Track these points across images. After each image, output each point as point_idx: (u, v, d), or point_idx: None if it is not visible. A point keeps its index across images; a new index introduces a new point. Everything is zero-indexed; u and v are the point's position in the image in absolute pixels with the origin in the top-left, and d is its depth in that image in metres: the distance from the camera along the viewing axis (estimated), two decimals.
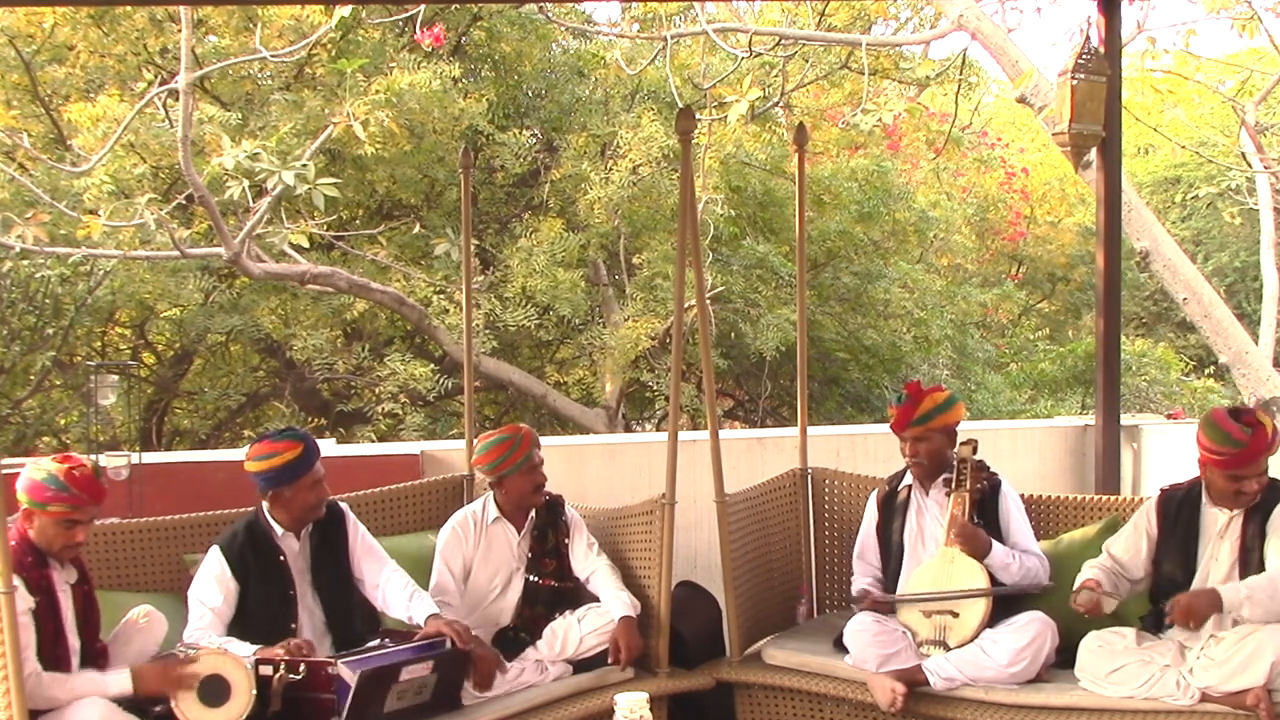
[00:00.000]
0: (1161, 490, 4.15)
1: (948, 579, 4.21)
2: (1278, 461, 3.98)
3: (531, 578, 4.38)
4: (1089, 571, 4.08)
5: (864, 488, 4.86)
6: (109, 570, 4.15)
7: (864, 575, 4.58)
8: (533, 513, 4.43)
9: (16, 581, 3.38)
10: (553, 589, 4.38)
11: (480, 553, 4.38)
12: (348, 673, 3.62)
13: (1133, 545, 4.11)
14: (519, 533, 4.41)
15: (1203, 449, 3.90)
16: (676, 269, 4.53)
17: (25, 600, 3.41)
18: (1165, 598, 3.97)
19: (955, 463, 4.33)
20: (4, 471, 3.55)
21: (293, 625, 3.97)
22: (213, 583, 3.94)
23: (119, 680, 3.45)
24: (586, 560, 4.41)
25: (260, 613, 3.95)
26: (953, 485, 4.30)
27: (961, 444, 4.36)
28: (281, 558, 4.01)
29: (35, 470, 3.53)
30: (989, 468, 4.38)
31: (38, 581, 3.48)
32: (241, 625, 3.93)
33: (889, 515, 4.54)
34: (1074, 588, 4.03)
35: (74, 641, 3.57)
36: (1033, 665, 4.02)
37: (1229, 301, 10.40)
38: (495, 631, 4.30)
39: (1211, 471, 3.91)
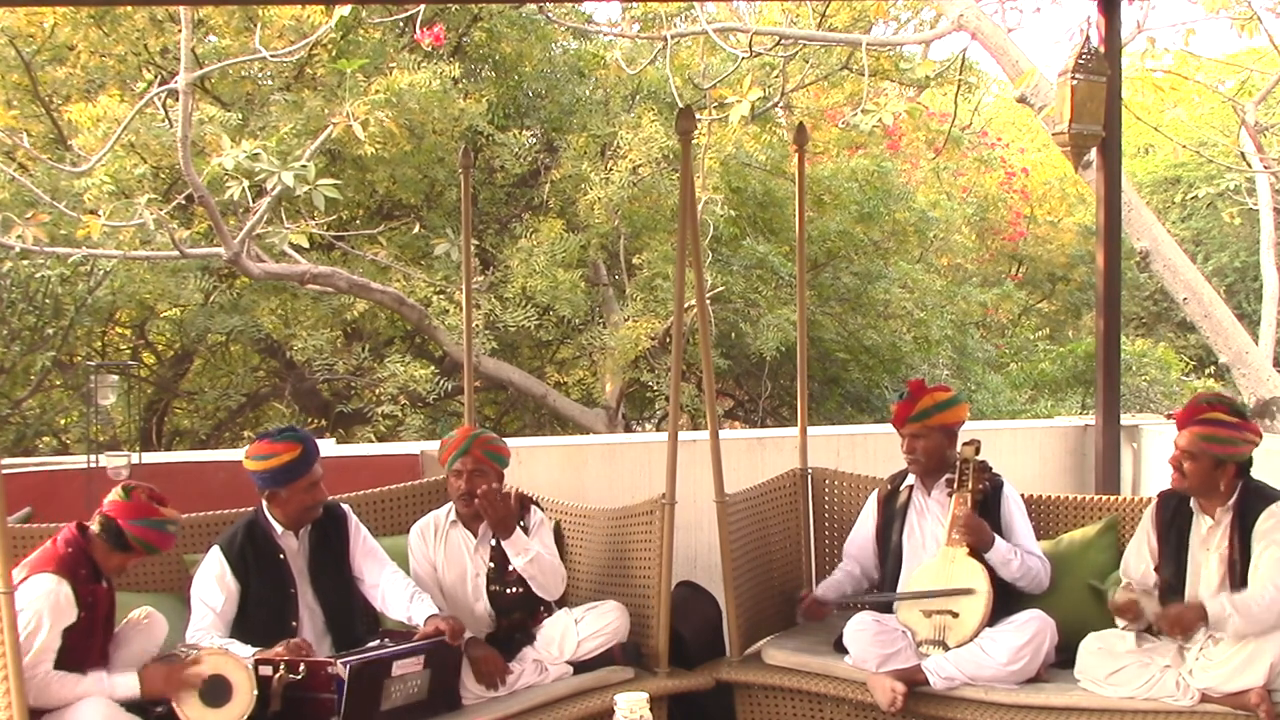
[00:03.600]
0: (1159, 495, 4.16)
1: (948, 579, 4.21)
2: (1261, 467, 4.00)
3: (496, 588, 4.32)
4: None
5: (864, 488, 4.86)
6: None
7: (843, 568, 4.61)
8: None
9: (66, 586, 3.40)
10: (521, 595, 4.32)
11: (441, 558, 4.36)
12: (344, 671, 3.62)
13: (1141, 558, 4.12)
14: (476, 537, 4.36)
15: None
16: (676, 269, 4.53)
17: (70, 611, 3.42)
18: (1166, 603, 3.97)
19: (958, 463, 4.33)
20: (4, 471, 3.55)
21: (294, 623, 3.98)
22: (213, 583, 3.95)
23: (126, 683, 3.46)
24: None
25: (261, 611, 3.96)
26: (955, 485, 4.30)
27: (964, 444, 4.37)
28: (281, 555, 4.02)
29: (151, 519, 3.58)
30: (992, 469, 4.38)
31: (86, 596, 3.49)
32: (243, 625, 3.93)
33: (889, 515, 4.54)
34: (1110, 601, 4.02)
35: (96, 657, 3.59)
36: (1032, 664, 4.03)
37: (1229, 301, 10.40)
38: (488, 634, 4.28)
39: None
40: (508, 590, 4.32)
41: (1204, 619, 3.78)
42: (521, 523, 4.35)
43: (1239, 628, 3.73)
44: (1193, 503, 4.01)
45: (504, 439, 4.53)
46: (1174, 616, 3.82)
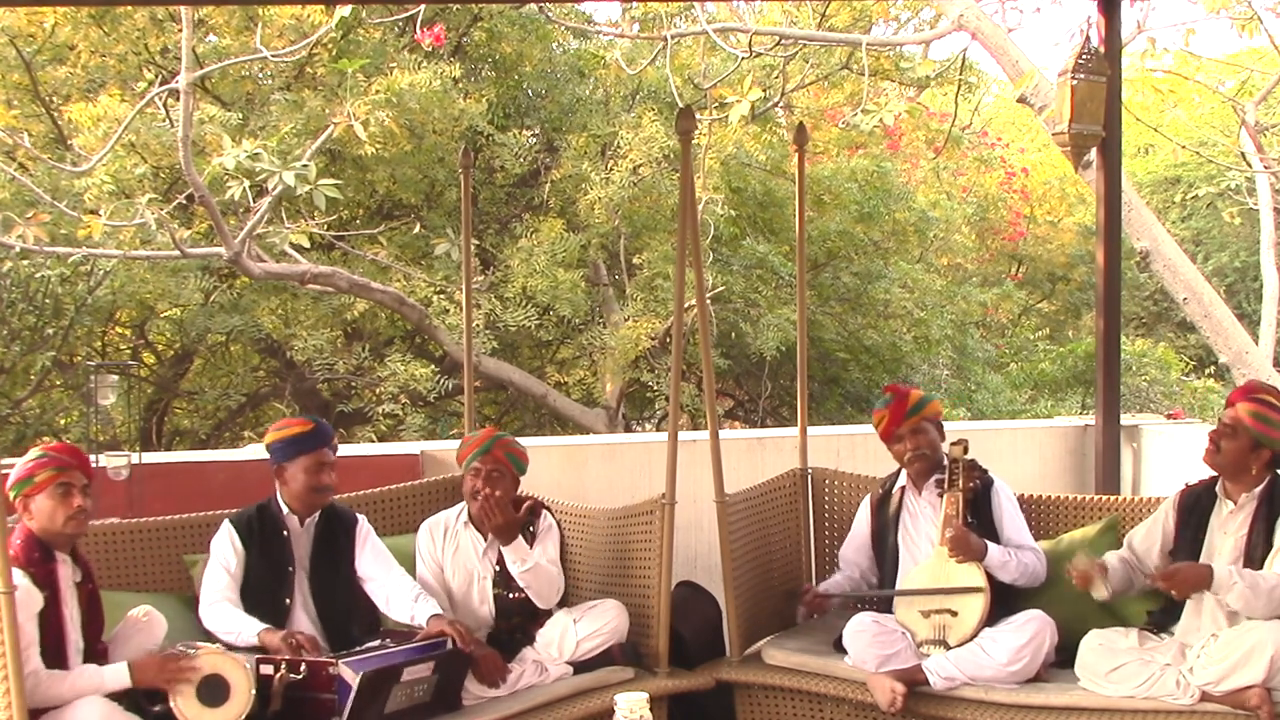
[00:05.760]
0: (1186, 485, 4.19)
1: (945, 577, 4.22)
2: None
3: (500, 591, 4.31)
4: (1106, 557, 4.11)
5: (864, 488, 4.86)
6: (109, 570, 4.16)
7: (843, 573, 4.62)
8: None
9: (24, 579, 3.39)
10: (524, 600, 4.31)
11: (448, 557, 4.37)
12: (349, 673, 3.62)
13: (1151, 537, 4.15)
14: (485, 541, 4.36)
15: None
16: (676, 269, 4.53)
17: (35, 598, 3.42)
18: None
19: (947, 463, 4.35)
20: (4, 472, 3.56)
21: (287, 600, 4.04)
22: (226, 547, 4.07)
23: (116, 674, 3.45)
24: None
25: (259, 582, 4.04)
26: (945, 485, 4.31)
27: (952, 444, 4.39)
28: (285, 533, 4.11)
29: (17, 464, 3.60)
30: (980, 467, 4.39)
31: (44, 577, 3.48)
32: (240, 593, 4.03)
33: (883, 519, 4.54)
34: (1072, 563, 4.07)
35: (76, 639, 3.57)
36: (1032, 663, 4.03)
37: (1229, 301, 10.40)
38: (488, 634, 4.26)
39: None
40: (510, 594, 4.31)
41: (1207, 581, 3.77)
42: (531, 528, 4.35)
43: (1242, 601, 3.72)
44: (1218, 488, 4.04)
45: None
46: (1173, 570, 3.82)
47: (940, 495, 4.33)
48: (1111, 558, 4.11)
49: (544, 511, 4.44)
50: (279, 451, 4.10)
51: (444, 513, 4.48)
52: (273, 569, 4.07)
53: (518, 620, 4.31)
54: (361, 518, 4.27)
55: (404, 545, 4.52)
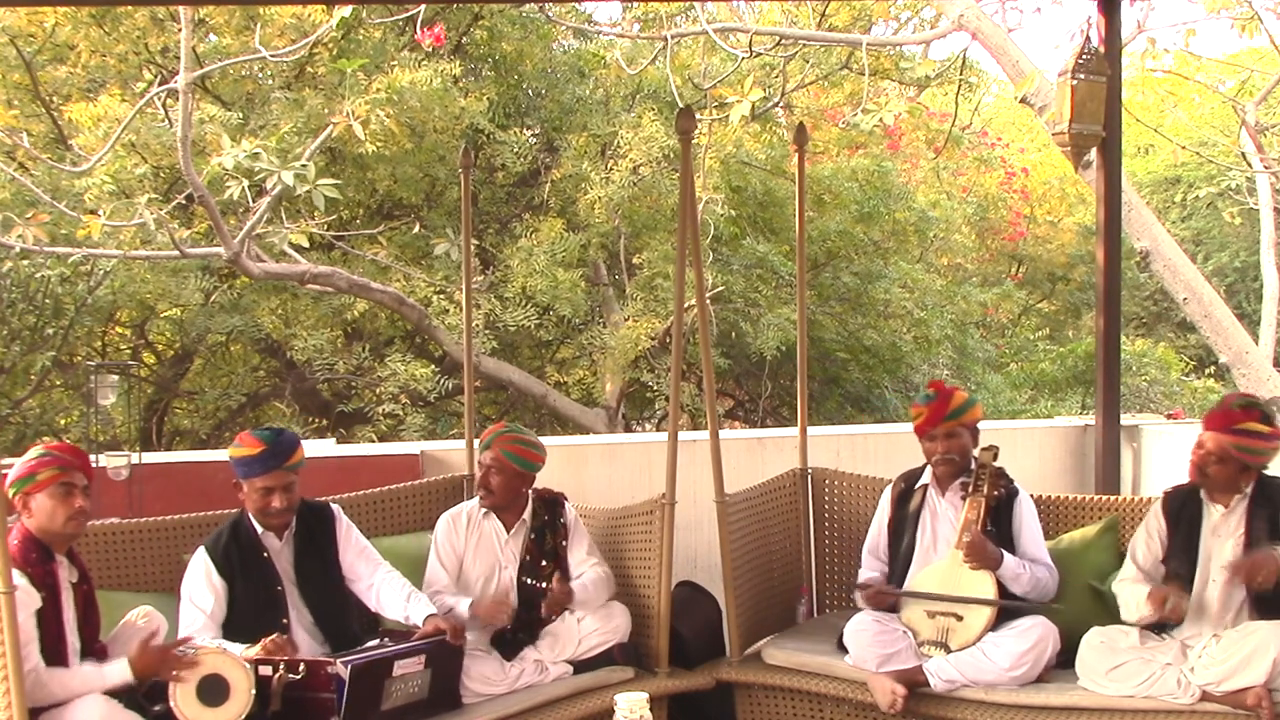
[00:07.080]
0: (1165, 492, 4.17)
1: (956, 581, 4.20)
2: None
3: (528, 580, 4.34)
4: (1137, 588, 4.01)
5: (864, 487, 4.87)
6: (108, 570, 4.16)
7: (870, 570, 4.56)
8: (527, 513, 4.39)
9: (22, 579, 3.38)
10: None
11: (470, 547, 4.37)
12: (345, 671, 3.62)
13: (1152, 548, 4.13)
14: (508, 530, 4.38)
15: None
16: (676, 269, 4.53)
17: (32, 598, 3.41)
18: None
19: (975, 467, 4.33)
20: (3, 471, 3.56)
21: (284, 621, 3.96)
22: (202, 584, 3.93)
23: (117, 670, 3.44)
24: (580, 566, 4.40)
25: (250, 610, 3.93)
26: (970, 489, 4.29)
27: (983, 449, 4.37)
28: (265, 554, 4.01)
29: (18, 462, 3.58)
30: (1007, 476, 4.36)
31: (42, 577, 3.48)
32: (232, 624, 3.92)
33: (903, 514, 4.51)
34: (1137, 612, 3.97)
35: (74, 641, 3.56)
36: (1034, 669, 4.03)
37: (1229, 301, 10.40)
38: (493, 633, 4.26)
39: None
40: (536, 584, 4.33)
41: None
42: (561, 520, 4.40)
43: None
44: (1203, 494, 4.03)
45: (536, 442, 4.41)
46: (1250, 561, 3.77)
47: (963, 498, 4.31)
48: (1145, 585, 4.01)
49: (565, 504, 4.46)
50: (235, 468, 4.01)
51: (463, 504, 4.48)
52: (262, 594, 3.96)
53: (539, 613, 4.32)
54: (336, 508, 4.20)
55: (404, 545, 4.52)
